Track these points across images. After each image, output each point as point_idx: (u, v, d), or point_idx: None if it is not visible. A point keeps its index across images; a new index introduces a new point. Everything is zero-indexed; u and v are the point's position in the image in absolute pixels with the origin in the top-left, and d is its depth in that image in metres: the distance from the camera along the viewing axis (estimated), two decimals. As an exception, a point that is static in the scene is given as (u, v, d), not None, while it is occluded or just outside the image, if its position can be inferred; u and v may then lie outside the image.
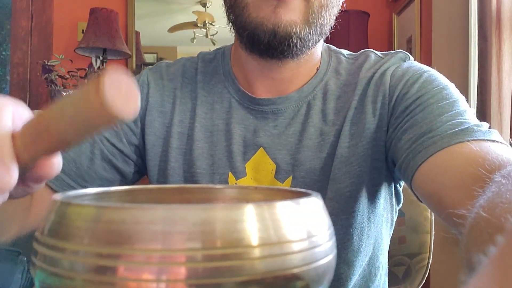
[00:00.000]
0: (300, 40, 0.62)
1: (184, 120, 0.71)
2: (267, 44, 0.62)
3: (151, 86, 0.73)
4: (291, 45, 0.62)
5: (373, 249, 0.71)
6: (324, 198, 0.65)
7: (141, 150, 0.72)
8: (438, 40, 1.94)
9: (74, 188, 0.67)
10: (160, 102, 0.72)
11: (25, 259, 1.62)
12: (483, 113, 1.51)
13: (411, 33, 2.27)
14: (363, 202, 0.66)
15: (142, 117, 0.72)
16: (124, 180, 0.73)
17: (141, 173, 0.75)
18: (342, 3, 0.69)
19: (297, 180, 0.66)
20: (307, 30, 0.62)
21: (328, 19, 0.65)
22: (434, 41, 1.97)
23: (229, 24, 0.68)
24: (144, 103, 0.72)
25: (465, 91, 1.66)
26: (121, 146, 0.71)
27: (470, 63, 1.71)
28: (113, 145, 0.70)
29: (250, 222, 0.23)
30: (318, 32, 0.64)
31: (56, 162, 0.35)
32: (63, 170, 0.66)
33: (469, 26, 1.72)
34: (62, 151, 0.32)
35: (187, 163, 0.69)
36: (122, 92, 0.26)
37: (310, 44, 0.65)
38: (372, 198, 0.68)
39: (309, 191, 0.30)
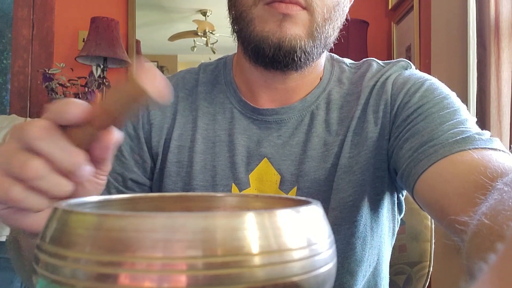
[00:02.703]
0: (305, 54, 0.62)
1: (184, 133, 0.70)
2: (271, 57, 0.62)
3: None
4: (296, 59, 0.62)
5: (377, 259, 0.71)
6: (327, 208, 0.65)
7: (153, 170, 0.72)
8: (437, 48, 1.95)
9: None
10: (162, 120, 0.71)
11: (24, 267, 1.61)
12: (482, 122, 1.51)
13: (410, 42, 2.28)
14: (366, 211, 0.66)
15: (148, 141, 0.71)
16: None
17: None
18: (346, 15, 0.69)
19: (302, 191, 0.66)
20: (312, 44, 0.62)
21: (332, 32, 0.65)
22: (433, 49, 1.98)
23: (233, 35, 0.68)
24: (147, 127, 0.71)
25: (464, 99, 1.66)
26: (137, 175, 0.71)
27: (469, 72, 1.72)
28: (134, 180, 0.70)
29: (251, 230, 0.23)
30: (322, 45, 0.65)
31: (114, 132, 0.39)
32: None
33: (467, 34, 1.73)
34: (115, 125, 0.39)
35: (188, 176, 0.69)
36: (152, 79, 0.35)
37: (314, 57, 0.65)
38: (375, 207, 0.68)
39: (309, 199, 0.30)
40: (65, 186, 0.38)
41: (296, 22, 0.61)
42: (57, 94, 2.17)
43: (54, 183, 0.38)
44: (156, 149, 0.70)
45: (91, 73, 2.29)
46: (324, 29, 0.63)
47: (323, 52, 0.68)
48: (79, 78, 2.18)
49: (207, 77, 0.75)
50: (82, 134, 0.38)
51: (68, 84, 2.19)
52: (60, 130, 0.38)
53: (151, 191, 0.72)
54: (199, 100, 0.72)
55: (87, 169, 0.38)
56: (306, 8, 0.61)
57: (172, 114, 0.72)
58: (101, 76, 2.30)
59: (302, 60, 0.63)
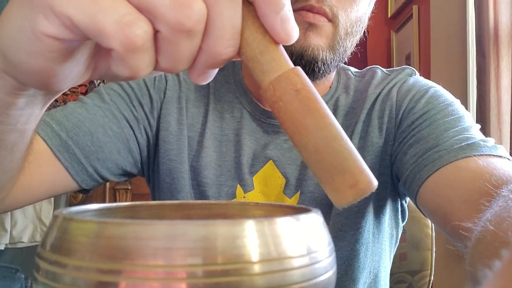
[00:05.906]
0: (324, 65, 0.63)
1: (196, 124, 0.70)
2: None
3: (168, 79, 0.72)
4: (316, 69, 0.62)
5: (378, 266, 0.70)
6: (332, 213, 0.65)
7: (150, 146, 0.70)
8: (436, 56, 1.96)
9: (83, 166, 0.63)
10: (177, 99, 0.71)
11: (23, 276, 1.61)
12: (482, 129, 1.51)
13: (410, 50, 2.29)
14: (370, 217, 0.66)
15: (159, 110, 0.70)
16: (131, 169, 0.70)
17: (142, 171, 0.73)
18: (364, 32, 0.70)
19: (305, 195, 0.66)
20: (332, 56, 0.63)
21: (350, 46, 0.66)
22: (433, 57, 1.99)
23: None
24: (162, 95, 0.71)
25: (464, 107, 1.66)
26: (137, 132, 0.68)
27: (468, 80, 1.72)
28: (131, 128, 0.68)
29: (251, 238, 0.23)
30: (340, 58, 0.65)
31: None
32: (76, 142, 0.62)
33: (467, 42, 1.74)
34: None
35: (194, 170, 0.68)
36: None
37: (331, 69, 0.66)
38: (378, 213, 0.68)
39: (309, 207, 0.30)
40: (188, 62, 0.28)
41: (321, 33, 0.61)
42: (57, 101, 2.18)
43: (193, 51, 0.27)
44: (167, 121, 0.69)
45: (92, 81, 2.30)
46: (344, 43, 0.64)
47: (338, 65, 0.68)
48: (79, 86, 2.19)
49: (216, 74, 0.75)
50: None
51: (68, 92, 2.20)
52: None
53: (154, 173, 0.71)
54: (210, 95, 0.72)
55: None
56: (332, 20, 0.61)
57: (185, 98, 0.71)
58: (101, 84, 2.31)
59: (321, 71, 0.63)
